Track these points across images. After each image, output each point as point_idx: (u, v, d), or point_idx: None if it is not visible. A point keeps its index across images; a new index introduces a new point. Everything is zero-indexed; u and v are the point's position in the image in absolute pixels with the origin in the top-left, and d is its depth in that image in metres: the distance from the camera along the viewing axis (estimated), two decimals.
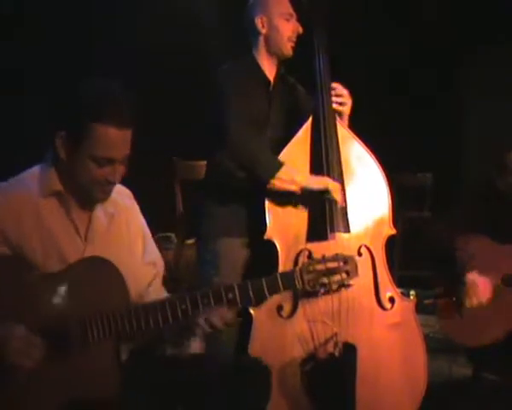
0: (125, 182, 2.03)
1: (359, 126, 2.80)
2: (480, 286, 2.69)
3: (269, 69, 2.82)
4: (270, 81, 2.81)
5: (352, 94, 2.88)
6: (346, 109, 2.83)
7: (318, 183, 2.64)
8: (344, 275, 1.92)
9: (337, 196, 2.63)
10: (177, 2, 5.02)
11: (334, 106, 2.78)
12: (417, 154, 4.95)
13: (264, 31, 2.77)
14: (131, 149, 1.94)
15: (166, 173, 4.13)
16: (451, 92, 5.33)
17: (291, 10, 2.77)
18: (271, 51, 2.79)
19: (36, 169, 1.97)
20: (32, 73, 4.55)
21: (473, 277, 2.70)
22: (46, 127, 1.94)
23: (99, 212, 1.98)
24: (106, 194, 1.95)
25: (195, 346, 2.05)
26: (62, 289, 1.83)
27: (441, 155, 5.03)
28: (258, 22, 2.77)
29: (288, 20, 2.76)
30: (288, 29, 2.76)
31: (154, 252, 2.13)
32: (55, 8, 4.56)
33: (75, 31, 4.55)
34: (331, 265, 1.91)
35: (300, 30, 2.78)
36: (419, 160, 4.69)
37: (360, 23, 4.87)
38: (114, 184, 1.94)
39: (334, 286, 1.95)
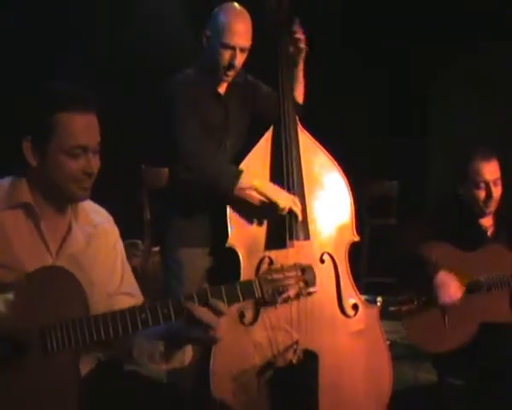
0: (92, 187, 1.96)
1: (326, 135, 2.80)
2: (451, 286, 2.73)
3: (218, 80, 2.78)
4: (218, 92, 2.79)
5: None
6: (302, 54, 2.82)
7: (273, 193, 2.64)
8: (302, 284, 1.91)
9: (295, 210, 2.64)
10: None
11: (292, 49, 2.78)
12: (384, 162, 4.99)
13: (206, 46, 2.74)
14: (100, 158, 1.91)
15: (134, 180, 4.11)
16: (418, 101, 5.38)
17: (232, 42, 2.66)
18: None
19: (6, 180, 1.91)
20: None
21: (443, 277, 2.73)
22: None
23: (76, 232, 1.93)
24: (86, 190, 1.90)
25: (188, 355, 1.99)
26: (19, 297, 1.76)
27: (407, 164, 5.09)
28: (204, 37, 2.74)
29: (225, 48, 2.67)
30: (224, 58, 2.68)
31: (132, 284, 2.07)
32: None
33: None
34: (289, 274, 1.90)
35: (237, 62, 2.68)
36: (385, 168, 4.73)
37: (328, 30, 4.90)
38: (92, 176, 1.88)
39: (292, 295, 1.94)
